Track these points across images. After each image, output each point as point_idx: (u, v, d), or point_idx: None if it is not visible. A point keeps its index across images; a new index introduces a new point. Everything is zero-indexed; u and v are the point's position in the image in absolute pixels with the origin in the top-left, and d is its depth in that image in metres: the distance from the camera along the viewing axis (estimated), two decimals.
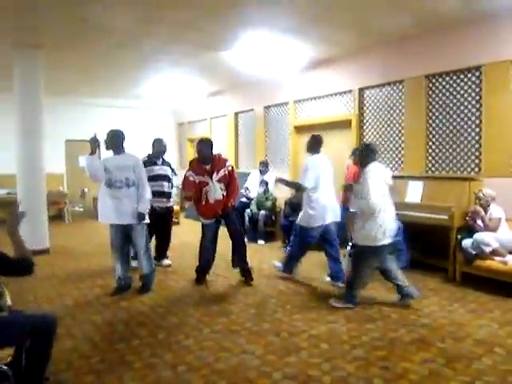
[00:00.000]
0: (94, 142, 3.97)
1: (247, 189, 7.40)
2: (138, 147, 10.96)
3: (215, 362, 2.76)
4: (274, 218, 7.07)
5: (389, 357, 2.81)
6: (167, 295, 4.16)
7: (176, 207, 8.36)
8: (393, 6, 4.47)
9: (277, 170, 7.86)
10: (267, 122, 8.39)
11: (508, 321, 3.38)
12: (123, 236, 4.16)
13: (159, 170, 5.06)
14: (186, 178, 4.42)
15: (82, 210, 10.29)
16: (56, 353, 2.61)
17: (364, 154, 3.71)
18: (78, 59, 6.51)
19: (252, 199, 7.21)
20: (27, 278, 4.70)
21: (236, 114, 9.26)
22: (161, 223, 5.12)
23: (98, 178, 4.04)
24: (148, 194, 4.24)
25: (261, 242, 6.77)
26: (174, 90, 9.00)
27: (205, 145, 4.37)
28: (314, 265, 5.08)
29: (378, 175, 3.60)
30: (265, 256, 5.84)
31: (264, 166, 7.38)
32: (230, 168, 4.42)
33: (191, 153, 11.25)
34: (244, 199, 7.44)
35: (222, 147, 9.75)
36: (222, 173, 4.35)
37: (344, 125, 6.63)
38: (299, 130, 7.68)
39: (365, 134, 6.38)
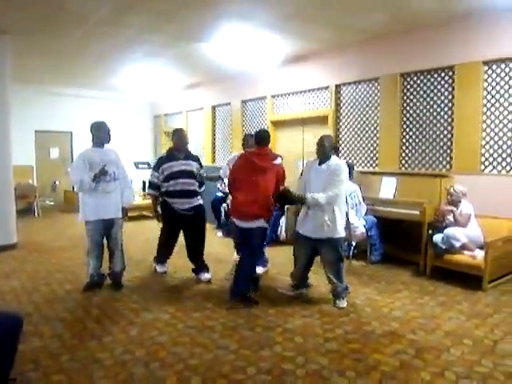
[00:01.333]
0: (104, 174, 3.88)
1: (223, 183, 7.36)
2: (113, 140, 10.83)
3: (189, 358, 2.72)
4: None
5: (362, 349, 2.85)
6: (141, 291, 4.07)
7: None
8: (371, 5, 4.51)
9: None
10: (244, 116, 8.34)
11: (475, 313, 3.49)
12: (104, 231, 4.06)
13: (181, 165, 4.27)
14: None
15: (52, 203, 9.97)
16: (23, 352, 2.53)
17: (329, 147, 3.67)
18: (50, 46, 6.25)
19: (227, 194, 7.17)
20: None
21: (213, 108, 9.16)
22: (188, 227, 4.38)
23: (89, 189, 3.91)
24: (132, 189, 4.29)
25: None
26: (150, 81, 8.81)
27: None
28: (289, 259, 5.09)
29: None
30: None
31: None
32: None
33: (166, 145, 11.07)
34: (220, 194, 7.41)
35: (198, 141, 9.65)
36: None
37: (321, 120, 6.67)
38: (277, 124, 7.68)
39: (341, 129, 6.44)
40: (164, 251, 4.64)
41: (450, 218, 4.40)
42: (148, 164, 11.06)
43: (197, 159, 4.47)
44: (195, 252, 4.45)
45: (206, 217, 4.52)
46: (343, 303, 3.68)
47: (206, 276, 4.38)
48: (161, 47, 6.27)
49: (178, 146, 4.35)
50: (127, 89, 9.70)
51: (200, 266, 4.44)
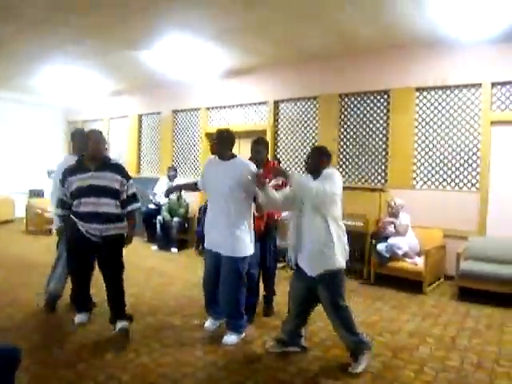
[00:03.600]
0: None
1: (155, 194, 7.10)
2: (22, 146, 9.57)
3: (183, 378, 2.53)
4: (186, 225, 6.85)
5: (343, 354, 2.90)
6: (95, 311, 3.58)
7: None
8: (315, 26, 4.76)
9: (185, 176, 7.69)
10: (175, 127, 8.12)
11: (426, 313, 3.86)
12: None
13: (89, 178, 3.15)
14: None
15: None
16: None
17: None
18: None
19: (160, 206, 6.91)
20: None
21: (140, 116, 8.74)
22: (102, 258, 3.27)
23: None
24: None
25: (174, 249, 6.48)
26: (72, 85, 8.03)
27: (259, 145, 3.64)
28: None
29: None
30: (180, 264, 5.69)
31: (173, 171, 7.13)
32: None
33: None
34: (152, 206, 7.08)
35: (121, 150, 9.08)
36: (273, 182, 3.43)
37: (258, 135, 6.76)
38: (211, 137, 7.62)
39: (279, 144, 6.66)
40: (81, 292, 3.42)
41: (391, 228, 4.83)
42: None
43: (119, 170, 3.28)
44: (111, 294, 3.26)
45: (118, 252, 3.29)
46: (357, 367, 2.70)
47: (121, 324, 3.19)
48: (92, 51, 5.84)
49: (92, 153, 3.21)
50: (43, 91, 8.70)
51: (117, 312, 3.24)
